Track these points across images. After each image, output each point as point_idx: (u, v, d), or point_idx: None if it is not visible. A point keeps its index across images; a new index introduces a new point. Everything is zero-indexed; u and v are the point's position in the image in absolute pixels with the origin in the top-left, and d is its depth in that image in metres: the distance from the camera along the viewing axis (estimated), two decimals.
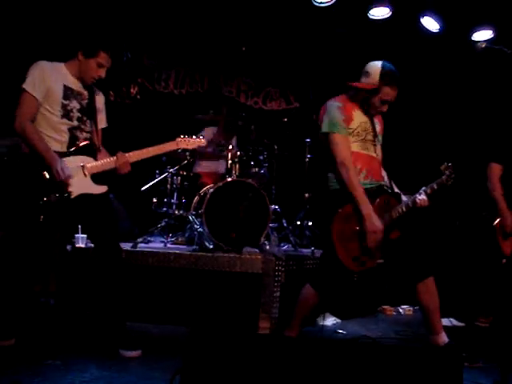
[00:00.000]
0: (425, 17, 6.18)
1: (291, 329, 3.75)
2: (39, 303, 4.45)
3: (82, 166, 3.53)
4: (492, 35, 6.16)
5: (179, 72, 7.89)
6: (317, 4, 6.13)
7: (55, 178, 3.36)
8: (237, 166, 5.41)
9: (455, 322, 4.83)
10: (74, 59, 3.60)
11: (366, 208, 3.44)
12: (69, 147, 3.54)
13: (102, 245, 3.59)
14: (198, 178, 6.06)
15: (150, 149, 3.77)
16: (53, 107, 3.49)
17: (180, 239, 5.70)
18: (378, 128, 3.82)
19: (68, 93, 3.55)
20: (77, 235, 4.66)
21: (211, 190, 5.00)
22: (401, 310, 5.45)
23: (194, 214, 5.36)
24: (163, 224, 5.55)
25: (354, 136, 3.63)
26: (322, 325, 4.57)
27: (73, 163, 3.50)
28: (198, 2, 6.67)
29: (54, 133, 3.50)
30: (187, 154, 5.78)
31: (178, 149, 4.05)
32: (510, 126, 4.73)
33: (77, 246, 4.66)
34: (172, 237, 5.69)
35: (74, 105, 3.58)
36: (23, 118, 3.42)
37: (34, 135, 3.41)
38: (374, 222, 3.42)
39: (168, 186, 5.79)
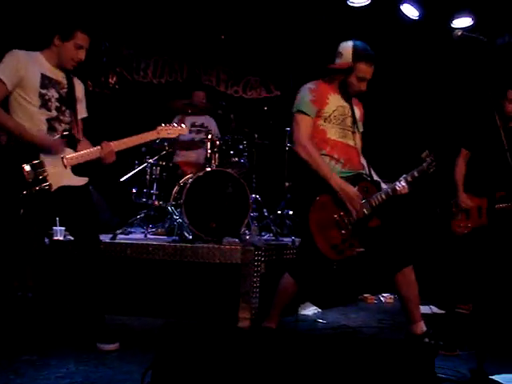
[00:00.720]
0: (404, 4, 6.16)
1: (270, 319, 3.73)
2: (17, 297, 4.39)
3: (61, 158, 3.42)
4: (471, 23, 6.16)
5: (158, 61, 7.82)
6: None
7: (49, 147, 3.32)
8: (216, 155, 5.38)
9: (435, 310, 4.85)
10: (51, 46, 3.48)
11: (335, 181, 3.42)
12: None
13: (82, 238, 3.53)
14: (178, 168, 6.02)
15: (133, 138, 3.70)
16: (30, 96, 3.37)
17: (160, 230, 5.67)
18: (358, 114, 3.79)
19: (46, 82, 3.44)
20: (55, 228, 4.61)
21: (190, 180, 4.97)
22: (382, 298, 5.46)
23: (173, 205, 5.33)
24: (142, 215, 5.51)
25: (330, 121, 3.60)
26: (300, 314, 4.56)
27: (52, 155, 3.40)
28: None
29: (30, 123, 3.37)
30: (165, 144, 5.74)
31: (159, 138, 3.99)
32: (481, 114, 4.79)
33: (55, 238, 4.61)
34: (152, 228, 5.66)
35: (53, 94, 3.47)
36: None
37: (7, 118, 3.30)
38: (346, 188, 3.41)
39: (147, 176, 5.73)
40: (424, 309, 4.80)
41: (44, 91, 3.43)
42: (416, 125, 6.70)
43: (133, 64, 7.71)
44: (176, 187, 5.52)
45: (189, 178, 5.32)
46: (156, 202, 5.60)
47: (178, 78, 7.86)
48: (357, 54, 3.55)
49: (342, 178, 3.48)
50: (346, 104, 3.69)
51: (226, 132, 6.11)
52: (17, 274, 4.38)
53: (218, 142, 5.39)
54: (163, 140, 5.68)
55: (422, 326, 3.47)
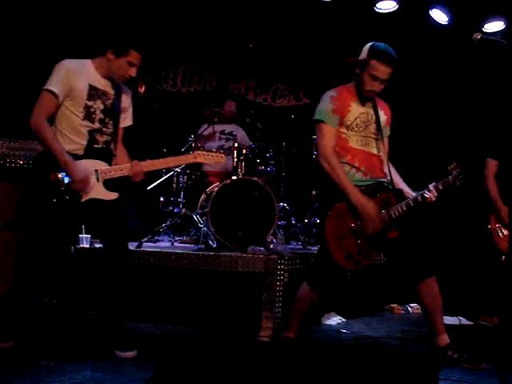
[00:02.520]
0: (433, 9, 6.07)
1: (289, 329, 3.69)
2: (42, 303, 4.45)
3: (95, 171, 3.47)
4: (503, 26, 6.02)
5: (186, 70, 7.84)
6: None
7: (70, 180, 3.34)
8: (243, 163, 5.37)
9: (464, 321, 4.74)
10: (103, 57, 3.51)
11: (355, 196, 3.37)
12: (86, 150, 3.48)
13: (111, 247, 3.57)
14: (205, 177, 6.03)
15: (168, 159, 3.74)
16: (75, 107, 3.42)
17: (187, 238, 5.67)
18: (384, 119, 3.71)
19: (92, 93, 3.47)
20: (80, 235, 4.66)
21: (216, 189, 4.97)
22: (409, 309, 5.35)
23: (199, 213, 5.33)
24: (169, 223, 5.52)
25: (352, 129, 3.55)
26: (324, 324, 4.51)
27: (87, 167, 3.44)
28: None
29: (73, 134, 3.43)
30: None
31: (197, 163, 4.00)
32: (506, 121, 4.66)
33: (80, 246, 4.65)
34: (179, 236, 5.68)
35: (98, 105, 3.49)
36: (40, 115, 3.35)
37: (49, 136, 3.35)
38: (367, 208, 3.35)
39: (174, 184, 5.76)
40: (452, 320, 4.71)
41: (90, 103, 3.47)
42: (444, 132, 6.58)
43: (161, 73, 7.75)
44: (203, 195, 5.54)
45: (215, 186, 5.32)
46: (183, 211, 5.62)
47: (207, 86, 7.87)
48: (372, 50, 3.50)
49: (362, 186, 3.43)
50: (369, 110, 3.63)
51: (253, 140, 6.12)
52: (43, 280, 4.45)
53: (244, 151, 5.38)
54: (189, 149, 5.72)
55: (445, 339, 3.39)
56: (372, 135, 3.62)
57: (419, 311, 5.26)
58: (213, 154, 3.93)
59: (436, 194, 3.41)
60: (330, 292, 3.74)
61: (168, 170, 5.94)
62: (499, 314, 4.66)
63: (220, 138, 6.37)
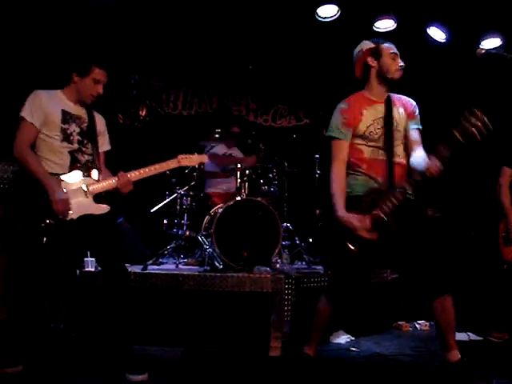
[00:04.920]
0: (431, 27, 6.13)
1: (309, 345, 3.67)
2: (49, 328, 4.42)
3: (82, 188, 3.52)
4: (500, 43, 6.08)
5: (187, 93, 7.90)
6: (321, 19, 6.13)
7: (53, 207, 3.36)
8: (246, 184, 5.40)
9: (473, 337, 4.71)
10: (70, 84, 3.63)
11: (338, 212, 3.35)
12: (70, 168, 3.54)
13: (107, 266, 3.56)
14: (209, 198, 6.04)
15: (152, 167, 3.75)
16: (52, 132, 3.50)
17: (191, 260, 5.66)
18: (403, 114, 3.55)
19: (67, 117, 3.57)
20: (86, 259, 4.65)
21: (221, 210, 4.98)
22: (417, 326, 5.31)
23: (204, 235, 5.33)
24: (174, 245, 5.52)
25: (366, 138, 3.44)
26: (333, 343, 4.48)
27: (74, 184, 3.50)
28: (203, 22, 6.68)
29: (54, 156, 3.50)
30: (195, 174, 5.77)
31: (182, 166, 4.01)
32: None
33: (86, 269, 4.64)
34: (183, 258, 5.67)
35: (74, 128, 3.58)
36: (22, 144, 3.44)
37: (33, 161, 3.41)
38: (346, 219, 3.30)
39: (177, 206, 5.77)
40: (461, 336, 4.67)
41: (65, 126, 3.55)
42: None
43: (162, 96, 7.80)
44: (207, 217, 5.55)
45: (219, 207, 5.33)
46: (187, 233, 5.62)
47: (208, 108, 7.92)
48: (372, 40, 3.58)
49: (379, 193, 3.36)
50: (382, 113, 3.49)
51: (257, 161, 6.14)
52: (49, 305, 4.43)
53: (247, 172, 5.41)
54: (193, 170, 5.74)
55: (456, 354, 3.36)
56: (390, 139, 3.46)
57: (427, 328, 5.24)
58: (195, 155, 3.97)
59: (438, 164, 3.14)
60: (346, 302, 3.71)
61: (171, 192, 5.96)
62: (510, 330, 4.64)
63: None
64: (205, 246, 5.14)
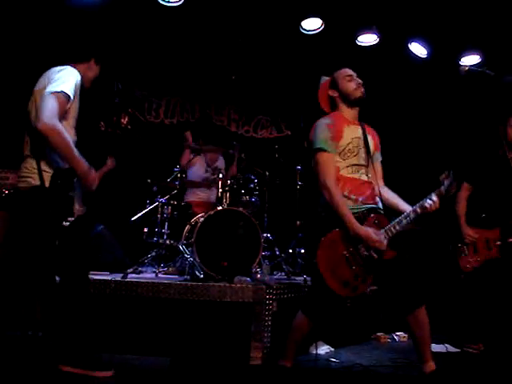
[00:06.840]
0: (413, 43, 6.23)
1: (285, 358, 3.67)
2: (27, 336, 4.36)
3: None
4: (479, 60, 6.20)
5: (169, 101, 7.92)
6: (305, 32, 6.19)
7: (90, 187, 3.24)
8: (227, 194, 5.41)
9: (450, 348, 4.76)
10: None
11: (352, 225, 3.33)
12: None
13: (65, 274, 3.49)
14: (190, 208, 6.03)
15: None
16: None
17: (171, 269, 5.65)
18: (372, 143, 3.69)
19: None
20: None
21: (202, 219, 4.98)
22: (395, 337, 5.36)
23: (184, 244, 5.33)
24: (154, 254, 5.50)
25: (344, 155, 3.51)
26: (312, 353, 4.49)
27: None
28: (187, 31, 6.71)
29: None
30: (176, 183, 5.77)
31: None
32: (485, 146, 4.80)
33: None
34: (163, 267, 5.65)
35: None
36: (55, 117, 3.03)
37: (68, 137, 3.08)
38: (364, 234, 3.31)
39: (158, 215, 5.75)
40: (438, 347, 4.73)
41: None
42: (423, 162, 6.68)
43: (145, 105, 7.81)
44: (187, 226, 5.54)
45: (200, 217, 5.34)
46: (167, 242, 5.60)
47: (190, 118, 7.94)
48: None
49: (353, 214, 3.42)
50: (360, 135, 3.60)
51: (237, 171, 6.16)
52: (26, 310, 4.37)
53: (228, 182, 5.42)
54: (174, 179, 5.74)
55: (431, 366, 3.40)
56: (363, 161, 3.59)
57: (405, 339, 5.28)
58: None
59: (438, 202, 3.38)
60: (326, 320, 3.74)
61: (152, 200, 5.95)
62: (485, 341, 4.70)
63: (206, 171, 6.41)
64: (186, 255, 5.13)
